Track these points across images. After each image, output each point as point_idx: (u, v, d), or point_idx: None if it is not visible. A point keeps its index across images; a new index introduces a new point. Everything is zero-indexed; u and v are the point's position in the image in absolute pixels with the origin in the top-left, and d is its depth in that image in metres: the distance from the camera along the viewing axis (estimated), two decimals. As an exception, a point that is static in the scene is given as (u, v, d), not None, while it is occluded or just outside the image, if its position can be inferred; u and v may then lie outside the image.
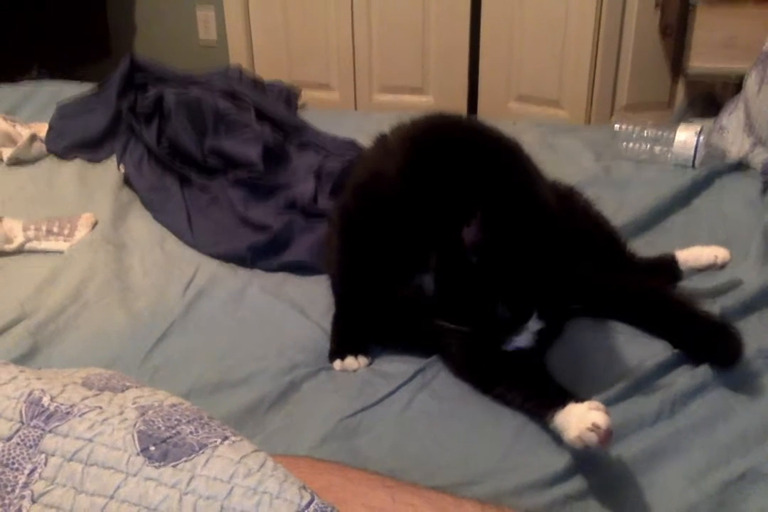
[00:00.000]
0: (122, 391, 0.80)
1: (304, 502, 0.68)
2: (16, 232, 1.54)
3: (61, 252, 1.53)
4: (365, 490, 0.80)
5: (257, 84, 2.21)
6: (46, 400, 0.75)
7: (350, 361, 1.20)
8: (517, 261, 1.00)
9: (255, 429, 1.05)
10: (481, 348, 1.10)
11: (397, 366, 1.18)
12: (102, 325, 1.30)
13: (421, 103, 3.10)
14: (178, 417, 0.75)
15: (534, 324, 1.05)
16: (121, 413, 0.75)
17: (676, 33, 2.18)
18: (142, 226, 1.64)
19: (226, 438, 0.74)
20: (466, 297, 1.03)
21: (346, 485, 0.81)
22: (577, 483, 0.95)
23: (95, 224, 1.61)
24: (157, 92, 1.92)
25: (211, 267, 1.48)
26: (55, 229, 1.56)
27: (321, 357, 1.22)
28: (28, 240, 1.54)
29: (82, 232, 1.57)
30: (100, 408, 0.75)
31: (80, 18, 3.28)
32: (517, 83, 2.99)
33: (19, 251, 1.53)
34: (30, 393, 0.76)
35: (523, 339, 1.06)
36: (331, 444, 1.03)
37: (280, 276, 1.46)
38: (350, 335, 1.24)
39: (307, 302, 1.36)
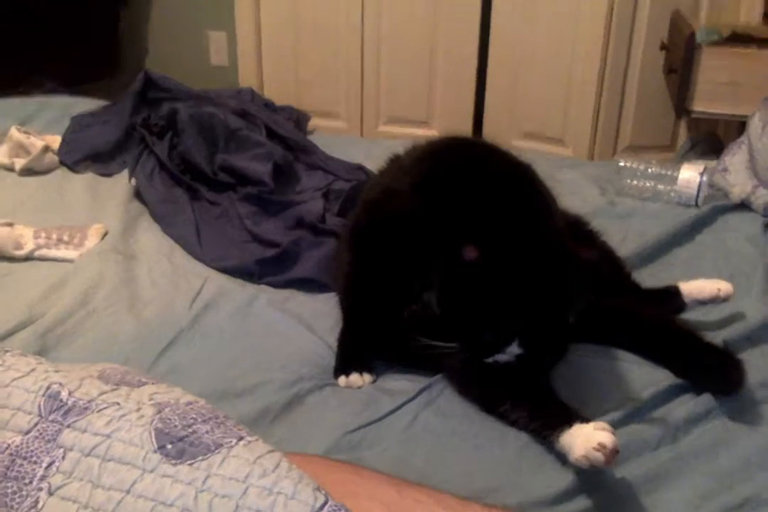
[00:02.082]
0: (138, 387, 0.81)
1: (318, 504, 0.68)
2: (26, 238, 1.55)
3: (70, 260, 1.53)
4: (376, 486, 0.81)
5: (268, 105, 2.24)
6: (64, 395, 0.76)
7: (355, 378, 1.20)
8: (509, 288, 1.01)
9: (260, 438, 1.05)
10: (485, 367, 1.10)
11: (401, 384, 1.19)
12: (110, 330, 1.31)
13: (425, 137, 3.10)
14: (194, 415, 0.76)
15: (514, 349, 1.04)
16: (139, 409, 0.76)
17: (681, 75, 2.21)
18: (151, 237, 1.65)
19: (241, 438, 0.74)
20: (456, 315, 1.05)
21: (358, 480, 0.82)
22: (579, 503, 0.95)
23: (105, 234, 1.62)
24: (172, 107, 1.94)
25: (218, 280, 1.49)
26: (66, 238, 1.57)
27: (325, 372, 1.23)
28: (39, 247, 1.54)
29: (92, 241, 1.58)
30: (118, 404, 0.76)
31: (92, 38, 3.32)
32: (521, 121, 3.03)
33: (29, 258, 1.54)
34: (48, 387, 0.76)
35: (502, 357, 1.06)
36: (335, 456, 1.03)
37: (287, 291, 1.47)
38: (356, 352, 1.25)
39: (313, 318, 1.37)
